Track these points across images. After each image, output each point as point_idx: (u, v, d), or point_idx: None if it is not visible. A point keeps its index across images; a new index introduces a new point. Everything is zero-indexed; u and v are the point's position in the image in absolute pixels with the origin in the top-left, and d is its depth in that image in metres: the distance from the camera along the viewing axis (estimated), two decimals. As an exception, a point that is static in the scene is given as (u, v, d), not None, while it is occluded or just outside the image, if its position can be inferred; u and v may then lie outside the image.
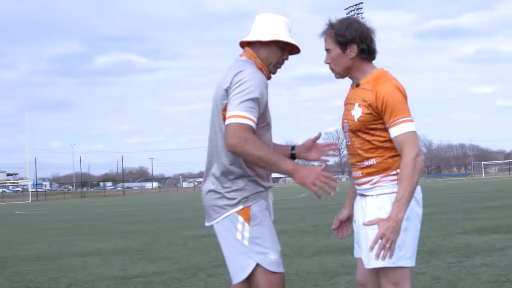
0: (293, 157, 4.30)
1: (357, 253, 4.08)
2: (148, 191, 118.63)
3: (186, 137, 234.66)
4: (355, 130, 3.86)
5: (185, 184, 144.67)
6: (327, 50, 3.90)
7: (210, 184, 3.91)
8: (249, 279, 3.87)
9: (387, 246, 3.49)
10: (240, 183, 3.83)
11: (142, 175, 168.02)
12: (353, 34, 3.79)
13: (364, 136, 3.83)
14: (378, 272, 3.87)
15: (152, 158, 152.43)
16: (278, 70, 4.08)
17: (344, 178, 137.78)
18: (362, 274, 4.08)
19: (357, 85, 3.88)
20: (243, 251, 3.80)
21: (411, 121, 3.68)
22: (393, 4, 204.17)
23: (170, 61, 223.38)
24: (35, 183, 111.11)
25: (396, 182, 3.73)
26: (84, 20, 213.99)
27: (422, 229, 13.52)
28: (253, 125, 3.69)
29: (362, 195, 3.94)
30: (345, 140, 4.03)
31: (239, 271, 3.84)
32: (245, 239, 3.79)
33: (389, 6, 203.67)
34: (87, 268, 10.45)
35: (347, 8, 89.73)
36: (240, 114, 3.65)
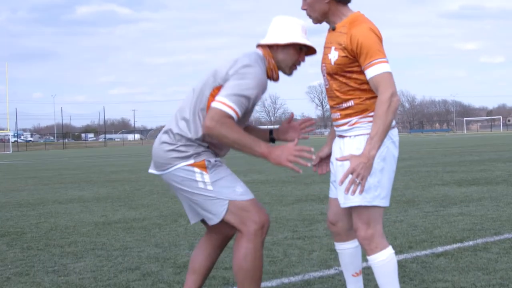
0: (272, 140, 4.38)
1: (332, 193, 4.14)
2: (130, 142, 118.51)
3: (169, 89, 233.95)
4: (332, 73, 3.90)
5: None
6: None
7: (166, 136, 4.00)
8: (218, 227, 4.06)
9: (357, 181, 3.54)
10: (195, 146, 3.93)
11: (124, 127, 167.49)
12: None
13: (341, 79, 3.87)
14: (350, 211, 3.94)
15: (134, 110, 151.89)
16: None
17: (326, 132, 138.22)
18: (333, 213, 4.15)
19: (333, 29, 3.91)
20: (211, 196, 3.90)
21: (386, 62, 3.70)
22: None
23: (153, 12, 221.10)
24: (16, 134, 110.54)
25: None
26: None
27: (402, 181, 13.78)
28: (235, 117, 3.79)
29: (340, 136, 3.98)
30: (323, 83, 4.06)
31: (214, 214, 3.93)
32: (208, 185, 3.89)
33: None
34: (68, 215, 10.50)
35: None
36: (228, 104, 3.76)
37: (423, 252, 6.27)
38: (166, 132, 4.01)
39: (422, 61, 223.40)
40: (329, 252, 6.42)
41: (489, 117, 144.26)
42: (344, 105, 3.88)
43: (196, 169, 3.89)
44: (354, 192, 3.58)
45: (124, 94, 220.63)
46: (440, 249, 6.39)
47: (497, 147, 32.69)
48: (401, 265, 5.74)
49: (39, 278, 5.87)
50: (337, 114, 3.94)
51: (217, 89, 3.87)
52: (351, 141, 3.87)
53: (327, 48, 3.95)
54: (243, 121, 4.04)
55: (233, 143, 3.78)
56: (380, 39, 3.75)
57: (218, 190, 3.89)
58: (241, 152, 3.90)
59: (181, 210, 10.19)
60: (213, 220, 3.94)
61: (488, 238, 6.83)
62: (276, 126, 4.46)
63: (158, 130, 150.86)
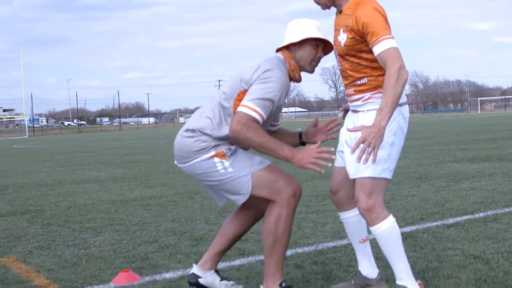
0: (302, 144, 4.56)
1: (337, 162, 4.27)
2: (144, 126, 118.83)
3: (182, 73, 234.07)
4: (343, 54, 4.03)
5: (181, 119, 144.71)
6: None
7: (187, 132, 4.16)
8: (250, 203, 4.21)
9: (369, 150, 3.66)
10: (217, 140, 4.10)
11: (138, 111, 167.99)
12: None
13: (352, 59, 4.00)
14: (353, 181, 4.06)
15: (148, 94, 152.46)
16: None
17: (340, 114, 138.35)
18: (335, 182, 4.29)
19: (340, 12, 4.03)
20: (233, 176, 4.07)
21: (392, 38, 3.80)
22: None
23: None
24: (31, 119, 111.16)
25: None
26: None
27: (415, 158, 13.92)
28: (260, 120, 3.98)
29: (354, 111, 4.11)
30: (337, 64, 4.20)
31: (242, 194, 4.09)
32: (228, 168, 4.07)
33: None
34: (86, 194, 10.71)
35: None
36: (253, 107, 3.95)
37: (434, 224, 6.40)
38: (187, 127, 4.18)
39: (435, 42, 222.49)
40: (342, 224, 6.54)
41: (503, 97, 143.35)
42: (358, 82, 4.01)
43: (216, 159, 4.06)
44: (366, 160, 3.67)
45: (137, 78, 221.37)
46: (451, 220, 6.52)
47: (511, 125, 32.62)
48: (412, 235, 5.88)
49: (60, 251, 6.06)
50: (351, 90, 4.07)
51: (242, 93, 4.06)
52: (364, 115, 4.00)
53: (336, 31, 4.08)
54: (268, 122, 4.23)
55: (258, 146, 3.96)
56: (384, 17, 3.86)
57: (238, 169, 4.06)
58: (266, 155, 4.05)
59: (197, 188, 10.36)
60: (242, 199, 4.10)
61: (498, 210, 6.95)
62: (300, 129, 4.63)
63: (172, 113, 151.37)
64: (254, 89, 4.01)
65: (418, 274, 4.54)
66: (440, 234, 5.91)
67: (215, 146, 4.08)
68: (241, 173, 4.06)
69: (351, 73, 4.03)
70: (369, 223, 3.94)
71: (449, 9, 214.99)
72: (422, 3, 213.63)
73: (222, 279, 4.43)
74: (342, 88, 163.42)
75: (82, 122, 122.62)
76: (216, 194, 4.32)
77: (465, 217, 6.66)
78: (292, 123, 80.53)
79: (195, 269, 4.42)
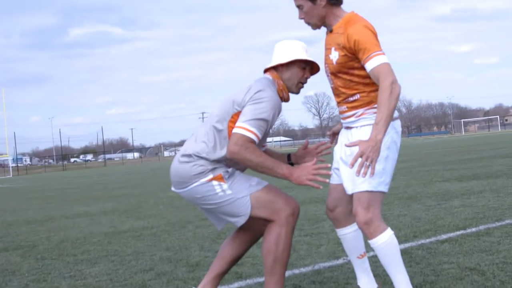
0: (291, 165, 4.60)
1: (333, 180, 4.34)
2: (129, 161, 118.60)
3: (166, 106, 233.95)
4: (335, 72, 4.12)
5: (166, 153, 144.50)
6: (298, 6, 4.15)
7: (183, 157, 4.22)
8: (249, 225, 4.25)
9: (367, 163, 3.72)
10: (214, 163, 4.16)
11: (123, 146, 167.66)
12: None
13: (344, 76, 4.09)
14: (350, 198, 4.13)
15: (132, 129, 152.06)
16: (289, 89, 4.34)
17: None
18: (332, 199, 4.36)
19: (331, 31, 4.13)
20: (232, 198, 4.13)
21: (383, 54, 3.91)
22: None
23: (146, 30, 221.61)
24: (15, 158, 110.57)
25: None
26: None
27: (403, 180, 14.01)
28: (256, 140, 4.07)
29: (348, 127, 4.19)
30: (329, 83, 4.28)
31: (241, 215, 4.15)
32: (227, 190, 4.13)
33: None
34: (77, 228, 10.67)
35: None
36: (248, 128, 4.03)
37: (428, 240, 6.46)
38: (183, 153, 4.23)
39: (417, 66, 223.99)
40: (336, 245, 6.60)
41: (486, 117, 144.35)
42: (351, 99, 4.10)
43: (215, 182, 4.13)
44: (365, 174, 3.74)
45: (121, 114, 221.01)
46: (444, 236, 6.57)
47: (496, 145, 32.90)
48: (407, 252, 5.92)
49: (57, 283, 6.04)
50: (344, 107, 4.16)
51: (236, 115, 4.13)
52: (358, 131, 4.08)
53: (327, 50, 4.17)
54: (262, 142, 4.30)
55: (257, 166, 4.03)
56: (375, 34, 3.97)
57: (237, 190, 4.12)
58: (264, 174, 4.12)
59: (188, 217, 10.36)
60: (242, 220, 4.15)
61: (490, 225, 7.02)
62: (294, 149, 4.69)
63: (157, 147, 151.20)
64: (248, 110, 4.07)
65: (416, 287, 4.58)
66: (434, 249, 5.96)
67: (213, 170, 4.13)
68: (239, 195, 4.11)
69: (343, 90, 4.11)
70: (368, 237, 3.99)
71: (429, 33, 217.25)
72: (401, 28, 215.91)
73: None
74: (325, 115, 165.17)
75: (87, 158, 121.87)
76: (214, 217, 4.36)
77: (458, 232, 6.72)
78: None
79: None
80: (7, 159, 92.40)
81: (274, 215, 4.11)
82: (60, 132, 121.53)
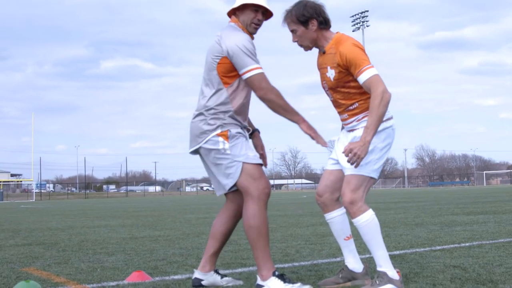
0: (250, 135, 5.15)
1: (327, 167, 4.88)
2: (151, 193, 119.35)
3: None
4: (334, 87, 4.71)
5: (188, 189, 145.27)
6: (292, 31, 4.74)
7: (198, 114, 4.80)
8: (236, 192, 4.85)
9: (354, 158, 4.31)
10: (221, 115, 4.73)
11: (145, 179, 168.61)
12: (310, 12, 4.64)
13: (342, 90, 4.67)
14: (339, 185, 4.69)
15: (155, 162, 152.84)
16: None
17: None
18: (323, 185, 4.89)
19: (324, 52, 4.71)
20: (229, 158, 4.68)
21: (372, 67, 4.50)
22: (397, 15, 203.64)
23: (175, 67, 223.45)
24: (38, 184, 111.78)
25: None
26: (91, 25, 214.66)
27: (414, 213, 14.44)
28: (264, 71, 4.65)
29: (350, 130, 4.74)
30: (328, 97, 4.85)
31: (231, 178, 4.69)
32: (227, 150, 4.68)
33: (394, 16, 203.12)
34: (97, 234, 11.22)
35: (352, 16, 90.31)
36: (255, 66, 4.62)
37: (422, 249, 6.91)
38: (195, 113, 4.81)
39: (442, 117, 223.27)
40: (338, 250, 7.07)
41: (509, 171, 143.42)
42: (351, 107, 4.69)
43: (220, 138, 4.68)
44: (355, 166, 4.35)
45: (145, 147, 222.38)
46: (438, 247, 7.02)
47: (514, 194, 33.05)
48: (401, 256, 6.40)
49: (76, 265, 6.57)
50: (345, 115, 4.74)
51: (224, 58, 4.65)
52: (360, 132, 4.62)
53: (323, 69, 4.76)
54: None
55: (279, 108, 4.64)
56: (363, 50, 4.57)
57: (234, 154, 4.67)
58: (280, 115, 4.67)
59: (203, 230, 10.86)
60: (230, 183, 4.70)
61: (484, 241, 7.46)
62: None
63: (178, 182, 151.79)
64: (238, 54, 4.60)
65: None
66: (426, 255, 6.41)
67: (222, 125, 4.68)
68: (235, 158, 4.66)
69: (343, 101, 4.68)
70: (351, 215, 4.50)
71: (456, 85, 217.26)
72: (429, 79, 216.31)
73: (222, 277, 4.98)
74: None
75: (110, 188, 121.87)
76: (215, 182, 4.89)
77: (452, 245, 7.17)
78: (298, 193, 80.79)
79: (196, 274, 4.98)
80: (31, 184, 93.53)
81: (253, 188, 4.63)
82: (85, 160, 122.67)
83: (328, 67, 4.65)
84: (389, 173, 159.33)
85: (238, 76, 4.67)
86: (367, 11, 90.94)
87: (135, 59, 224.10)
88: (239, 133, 4.76)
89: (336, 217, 4.86)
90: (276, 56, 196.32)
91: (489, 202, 20.27)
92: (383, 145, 4.59)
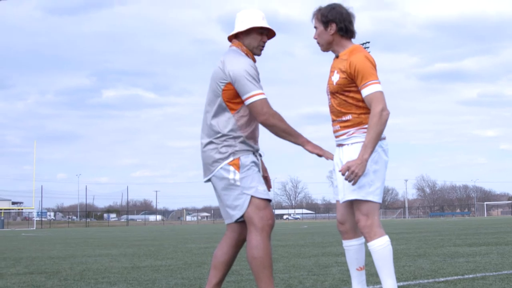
0: None
1: (336, 196, 4.88)
2: (151, 222, 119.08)
3: (191, 172, 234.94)
4: (334, 92, 4.75)
5: (188, 218, 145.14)
6: (315, 27, 4.82)
7: (208, 142, 4.81)
8: (236, 227, 4.87)
9: (352, 176, 4.35)
10: (231, 141, 4.75)
11: (146, 208, 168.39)
12: (333, 15, 4.72)
13: (340, 96, 4.71)
14: (353, 208, 4.67)
15: (156, 191, 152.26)
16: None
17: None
18: (340, 214, 4.88)
19: (337, 57, 4.77)
20: (237, 192, 4.69)
21: (378, 83, 4.54)
22: (397, 46, 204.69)
23: (177, 96, 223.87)
24: (39, 212, 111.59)
25: None
26: (93, 54, 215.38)
27: (416, 244, 14.39)
28: (266, 96, 4.68)
29: (340, 145, 4.77)
30: (327, 102, 4.90)
31: (239, 209, 4.70)
32: (237, 181, 4.69)
33: (394, 48, 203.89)
34: (99, 263, 11.19)
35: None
36: (257, 92, 4.65)
37: (426, 281, 6.89)
38: (204, 142, 4.82)
39: (442, 148, 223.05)
40: (341, 282, 7.05)
41: (510, 202, 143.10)
42: (344, 118, 4.70)
43: (231, 168, 4.69)
44: (350, 181, 4.33)
45: (146, 176, 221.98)
46: (442, 279, 7.00)
47: (515, 225, 32.96)
48: (404, 286, 6.37)
49: (79, 294, 6.56)
50: (337, 127, 4.76)
51: (228, 84, 4.68)
52: (349, 148, 4.67)
53: (331, 72, 4.82)
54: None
55: (283, 132, 4.69)
56: (374, 65, 4.60)
57: (244, 186, 4.67)
58: (285, 140, 4.72)
59: (205, 260, 10.83)
60: (237, 215, 4.70)
61: (487, 273, 7.43)
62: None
63: (179, 211, 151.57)
64: (240, 80, 4.64)
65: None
66: (430, 286, 6.39)
67: (233, 153, 4.70)
68: (244, 191, 4.66)
69: (338, 108, 4.73)
70: (367, 239, 4.53)
71: (456, 116, 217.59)
72: (428, 110, 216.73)
73: None
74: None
75: (111, 217, 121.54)
76: (224, 211, 4.89)
77: (456, 277, 7.15)
78: (298, 223, 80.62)
79: None
80: (32, 212, 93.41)
81: (257, 219, 4.63)
82: (86, 188, 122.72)
83: (335, 71, 4.72)
84: (389, 204, 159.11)
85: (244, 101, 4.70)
86: (369, 42, 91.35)
87: (137, 88, 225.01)
88: (253, 162, 4.77)
89: (354, 246, 4.87)
90: (278, 86, 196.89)
91: (491, 233, 20.24)
92: (374, 167, 4.59)
